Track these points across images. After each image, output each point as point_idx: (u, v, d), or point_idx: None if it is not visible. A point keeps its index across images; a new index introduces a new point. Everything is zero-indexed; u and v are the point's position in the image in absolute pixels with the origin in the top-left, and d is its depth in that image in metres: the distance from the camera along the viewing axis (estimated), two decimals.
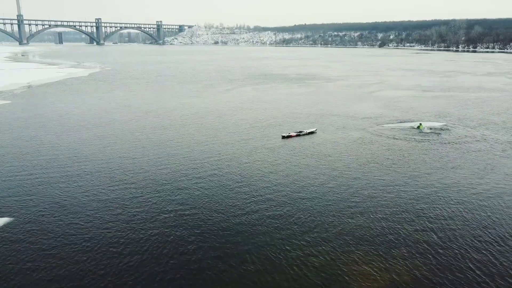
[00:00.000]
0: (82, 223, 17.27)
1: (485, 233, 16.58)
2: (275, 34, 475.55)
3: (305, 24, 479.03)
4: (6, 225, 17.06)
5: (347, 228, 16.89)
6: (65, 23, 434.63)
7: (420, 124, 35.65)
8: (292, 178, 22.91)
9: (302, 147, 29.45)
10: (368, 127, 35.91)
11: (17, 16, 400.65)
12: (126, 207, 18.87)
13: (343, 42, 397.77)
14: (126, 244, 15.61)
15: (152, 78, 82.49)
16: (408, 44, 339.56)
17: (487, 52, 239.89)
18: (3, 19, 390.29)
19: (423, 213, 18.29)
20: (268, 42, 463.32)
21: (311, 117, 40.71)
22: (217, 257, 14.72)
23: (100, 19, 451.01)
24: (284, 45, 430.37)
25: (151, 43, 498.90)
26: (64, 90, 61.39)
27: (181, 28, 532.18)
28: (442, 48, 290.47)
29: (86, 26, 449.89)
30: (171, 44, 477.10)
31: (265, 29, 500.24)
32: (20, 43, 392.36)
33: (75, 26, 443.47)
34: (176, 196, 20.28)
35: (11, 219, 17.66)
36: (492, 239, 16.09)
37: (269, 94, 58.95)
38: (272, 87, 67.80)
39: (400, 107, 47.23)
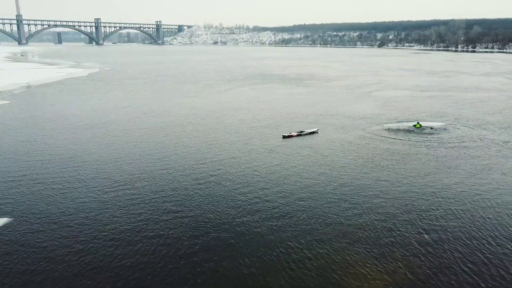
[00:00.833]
0: (82, 224, 17.28)
1: (484, 233, 16.62)
2: (274, 34, 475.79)
3: (304, 24, 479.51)
4: (5, 226, 17.07)
5: (347, 229, 16.92)
6: (64, 23, 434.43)
7: (418, 122, 35.84)
8: (292, 178, 22.92)
9: (303, 147, 29.48)
10: (367, 127, 35.97)
11: (16, 16, 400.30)
12: (125, 208, 18.89)
13: (342, 42, 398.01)
14: (126, 244, 15.63)
15: (151, 78, 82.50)
16: (407, 44, 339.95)
17: (486, 52, 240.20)
18: (2, 19, 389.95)
19: (423, 214, 18.33)
20: (267, 42, 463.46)
21: (311, 117, 40.75)
22: (217, 258, 14.74)
23: (99, 19, 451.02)
24: (284, 45, 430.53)
25: (150, 43, 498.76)
26: (63, 90, 61.38)
27: (180, 28, 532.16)
28: (441, 48, 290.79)
29: (85, 26, 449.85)
30: (170, 44, 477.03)
31: (264, 29, 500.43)
32: (19, 43, 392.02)
33: (74, 26, 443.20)
34: (176, 196, 20.30)
35: (9, 219, 17.66)
36: (491, 239, 16.13)
37: (269, 94, 58.99)
38: (272, 87, 67.84)
39: (400, 107, 47.30)
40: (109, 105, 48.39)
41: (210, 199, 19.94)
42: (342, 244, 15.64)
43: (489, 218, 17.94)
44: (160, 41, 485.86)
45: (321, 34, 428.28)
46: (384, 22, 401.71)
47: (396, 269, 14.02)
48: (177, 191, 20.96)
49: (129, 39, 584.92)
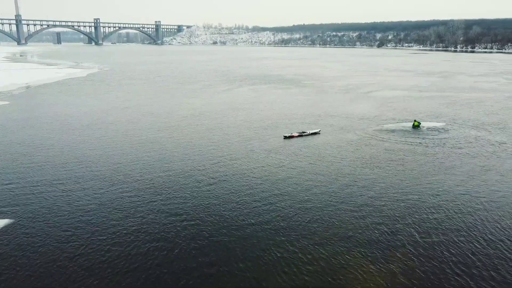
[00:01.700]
0: (81, 225, 17.33)
1: (483, 234, 16.69)
2: (273, 34, 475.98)
3: (303, 24, 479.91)
4: (5, 226, 17.12)
5: (347, 230, 16.99)
6: (63, 23, 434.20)
7: (415, 121, 36.15)
8: (292, 179, 22.95)
9: (304, 147, 29.53)
10: (367, 128, 36.05)
11: (16, 16, 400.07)
12: (125, 209, 18.94)
13: (341, 42, 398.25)
14: (126, 245, 15.68)
15: (151, 78, 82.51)
16: (406, 44, 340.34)
17: (485, 52, 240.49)
18: (1, 19, 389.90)
19: (422, 215, 18.40)
20: (266, 42, 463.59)
21: (312, 118, 40.79)
22: (217, 259, 14.79)
23: (99, 19, 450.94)
24: (283, 45, 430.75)
25: (149, 43, 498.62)
26: (62, 91, 61.38)
27: (179, 28, 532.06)
28: (440, 49, 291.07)
29: (84, 26, 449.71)
30: (169, 44, 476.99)
31: (263, 29, 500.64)
32: (19, 43, 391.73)
33: (73, 26, 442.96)
34: (176, 197, 20.35)
35: (9, 220, 17.71)
36: (490, 240, 16.21)
37: (269, 94, 59.03)
38: (271, 87, 67.89)
39: (399, 108, 47.39)
40: (109, 106, 48.42)
41: (210, 199, 19.99)
42: (343, 245, 15.70)
43: (488, 219, 18.02)
44: (159, 41, 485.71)
45: (321, 34, 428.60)
46: (384, 22, 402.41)
47: (395, 270, 14.10)
48: (177, 192, 21.01)
49: (129, 39, 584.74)
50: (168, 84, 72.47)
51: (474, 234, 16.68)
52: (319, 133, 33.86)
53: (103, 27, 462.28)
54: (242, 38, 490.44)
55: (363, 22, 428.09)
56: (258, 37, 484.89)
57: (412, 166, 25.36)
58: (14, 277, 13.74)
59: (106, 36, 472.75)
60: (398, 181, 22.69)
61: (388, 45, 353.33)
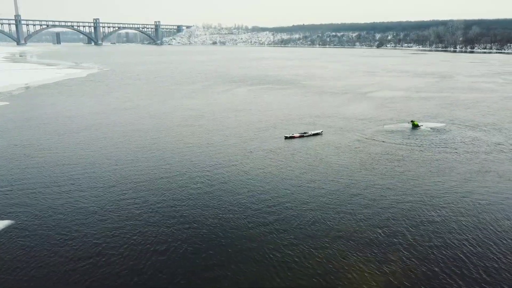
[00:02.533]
0: (81, 226, 17.36)
1: (481, 235, 16.74)
2: (273, 34, 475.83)
3: (303, 24, 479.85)
4: (5, 227, 17.17)
5: (347, 231, 17.03)
6: (63, 23, 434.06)
7: (412, 121, 36.45)
8: (292, 179, 23.01)
9: (305, 148, 29.57)
10: (367, 129, 36.12)
11: (15, 16, 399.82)
12: (125, 210, 18.97)
13: (341, 43, 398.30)
14: (126, 246, 15.72)
15: (150, 79, 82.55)
16: (406, 44, 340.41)
17: (485, 52, 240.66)
18: (0, 19, 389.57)
19: (422, 217, 18.46)
20: (266, 43, 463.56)
21: (312, 119, 40.81)
22: (216, 259, 14.84)
23: (98, 19, 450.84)
24: (282, 45, 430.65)
25: (149, 43, 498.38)
26: (62, 91, 61.40)
27: (179, 28, 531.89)
28: (439, 49, 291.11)
29: (84, 26, 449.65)
30: (169, 44, 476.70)
31: (263, 29, 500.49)
32: (18, 43, 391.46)
33: (73, 26, 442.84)
34: (176, 198, 20.38)
35: (8, 221, 17.75)
36: (489, 241, 16.27)
37: (269, 95, 59.08)
38: (271, 88, 67.95)
39: (399, 108, 47.48)
40: (109, 106, 48.46)
41: (210, 200, 20.02)
42: (344, 246, 15.75)
43: (487, 220, 18.07)
44: (159, 41, 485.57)
45: (320, 35, 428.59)
46: (383, 22, 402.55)
47: (395, 271, 14.16)
48: (177, 193, 21.05)
49: (128, 39, 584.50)
50: (168, 84, 72.52)
51: (474, 234, 16.74)
52: (321, 134, 33.77)
53: (103, 27, 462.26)
54: (241, 38, 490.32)
55: (362, 22, 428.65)
56: (258, 37, 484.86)
57: (412, 167, 25.43)
58: (14, 277, 13.78)
59: (105, 36, 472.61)
60: (398, 182, 22.75)
61: (388, 45, 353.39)
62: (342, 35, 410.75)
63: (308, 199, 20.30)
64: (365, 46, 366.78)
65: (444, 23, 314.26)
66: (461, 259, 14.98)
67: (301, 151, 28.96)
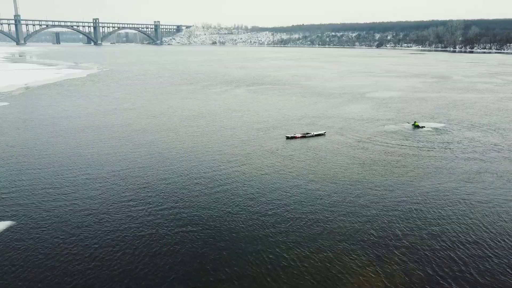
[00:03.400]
0: (81, 226, 17.36)
1: (481, 235, 16.78)
2: (273, 34, 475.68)
3: (303, 24, 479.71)
4: (4, 228, 17.16)
5: (348, 231, 17.06)
6: (62, 23, 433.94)
7: (415, 122, 36.58)
8: (292, 180, 23.03)
9: (306, 148, 29.55)
10: (368, 129, 36.15)
11: (14, 16, 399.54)
12: (125, 210, 18.96)
13: (340, 43, 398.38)
14: (125, 246, 15.73)
15: (150, 79, 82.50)
16: (405, 44, 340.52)
17: (484, 52, 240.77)
18: (0, 19, 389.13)
19: (422, 217, 18.50)
20: (266, 43, 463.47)
21: (312, 119, 40.86)
22: (216, 259, 14.86)
23: (98, 19, 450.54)
24: (282, 45, 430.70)
25: (149, 43, 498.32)
26: (62, 92, 61.36)
27: (179, 28, 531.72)
28: (439, 49, 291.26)
29: (83, 26, 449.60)
30: (169, 44, 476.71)
31: (263, 29, 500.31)
32: (18, 43, 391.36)
33: (72, 26, 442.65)
34: (176, 198, 20.39)
35: (8, 221, 17.75)
36: (488, 241, 16.30)
37: (269, 96, 59.05)
38: (271, 88, 67.90)
39: (399, 108, 47.50)
40: (108, 107, 48.42)
41: (211, 201, 20.02)
42: (344, 246, 15.77)
43: (486, 220, 18.10)
44: (158, 41, 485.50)
45: (320, 35, 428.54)
46: (382, 22, 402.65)
47: (395, 272, 14.18)
48: (177, 193, 21.05)
49: (128, 39, 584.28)
50: (168, 85, 72.47)
51: (474, 234, 16.77)
52: (324, 135, 33.57)
53: (102, 27, 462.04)
54: (241, 38, 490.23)
55: (362, 22, 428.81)
56: (257, 37, 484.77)
57: (413, 168, 25.45)
58: (14, 277, 13.78)
59: (105, 36, 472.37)
60: (400, 183, 22.78)
61: (387, 45, 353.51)
62: (342, 35, 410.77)
63: (308, 199, 20.30)
64: (365, 46, 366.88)
65: (443, 23, 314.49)
66: (461, 259, 15.00)
67: (302, 151, 28.94)
